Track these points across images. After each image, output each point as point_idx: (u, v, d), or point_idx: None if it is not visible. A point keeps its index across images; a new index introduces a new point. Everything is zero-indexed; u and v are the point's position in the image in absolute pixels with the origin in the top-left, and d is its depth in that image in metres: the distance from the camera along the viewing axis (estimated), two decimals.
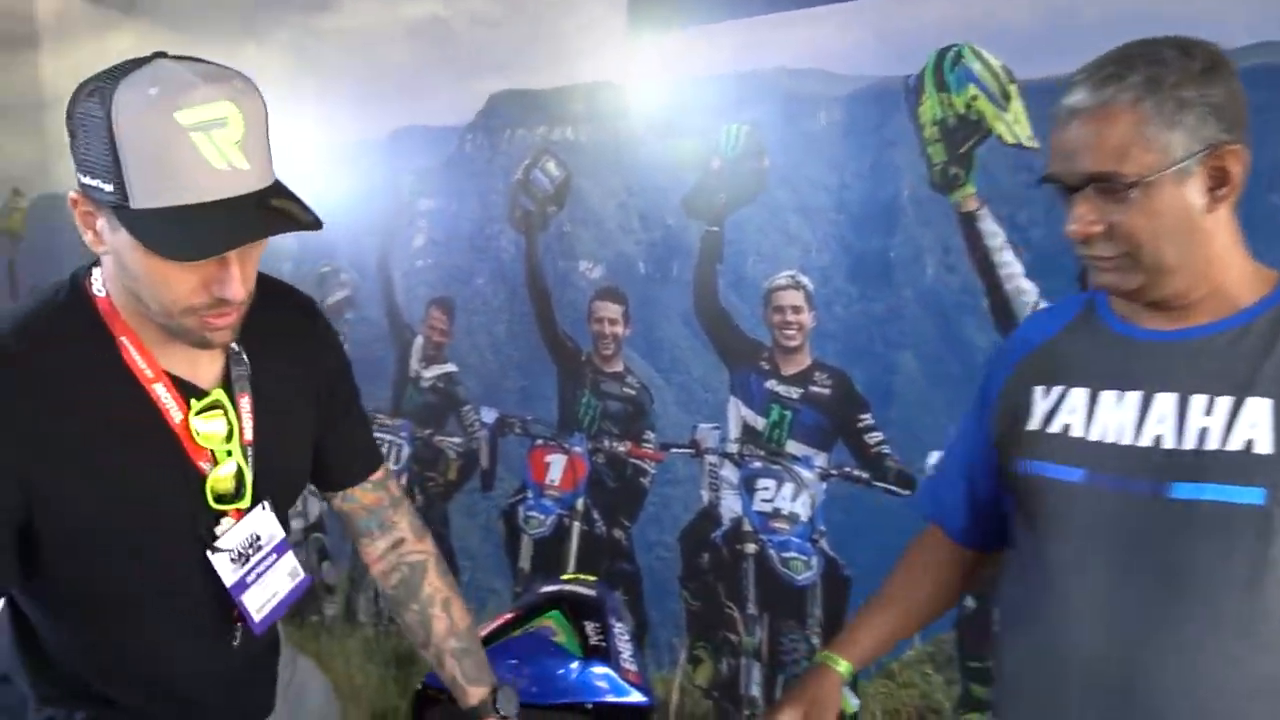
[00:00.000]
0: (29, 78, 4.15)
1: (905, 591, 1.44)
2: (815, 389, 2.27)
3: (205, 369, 1.21)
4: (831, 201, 2.23)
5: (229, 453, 1.21)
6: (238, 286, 1.06)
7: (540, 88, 2.65)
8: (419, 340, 2.98)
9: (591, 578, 1.90)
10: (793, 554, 2.33)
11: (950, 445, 1.43)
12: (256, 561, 1.26)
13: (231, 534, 1.23)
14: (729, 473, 2.41)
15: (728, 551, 2.43)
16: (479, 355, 2.86)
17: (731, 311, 2.38)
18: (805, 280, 2.26)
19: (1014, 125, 1.94)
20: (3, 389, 1.09)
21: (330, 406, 1.36)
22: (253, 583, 1.26)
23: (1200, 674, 1.06)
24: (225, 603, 1.25)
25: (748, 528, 2.39)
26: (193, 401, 1.18)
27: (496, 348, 2.82)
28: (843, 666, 1.40)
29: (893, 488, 2.16)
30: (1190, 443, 1.07)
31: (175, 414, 1.17)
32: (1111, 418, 1.13)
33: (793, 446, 2.32)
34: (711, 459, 2.44)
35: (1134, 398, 1.12)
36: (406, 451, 3.04)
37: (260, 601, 1.28)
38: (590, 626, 1.71)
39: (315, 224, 1.05)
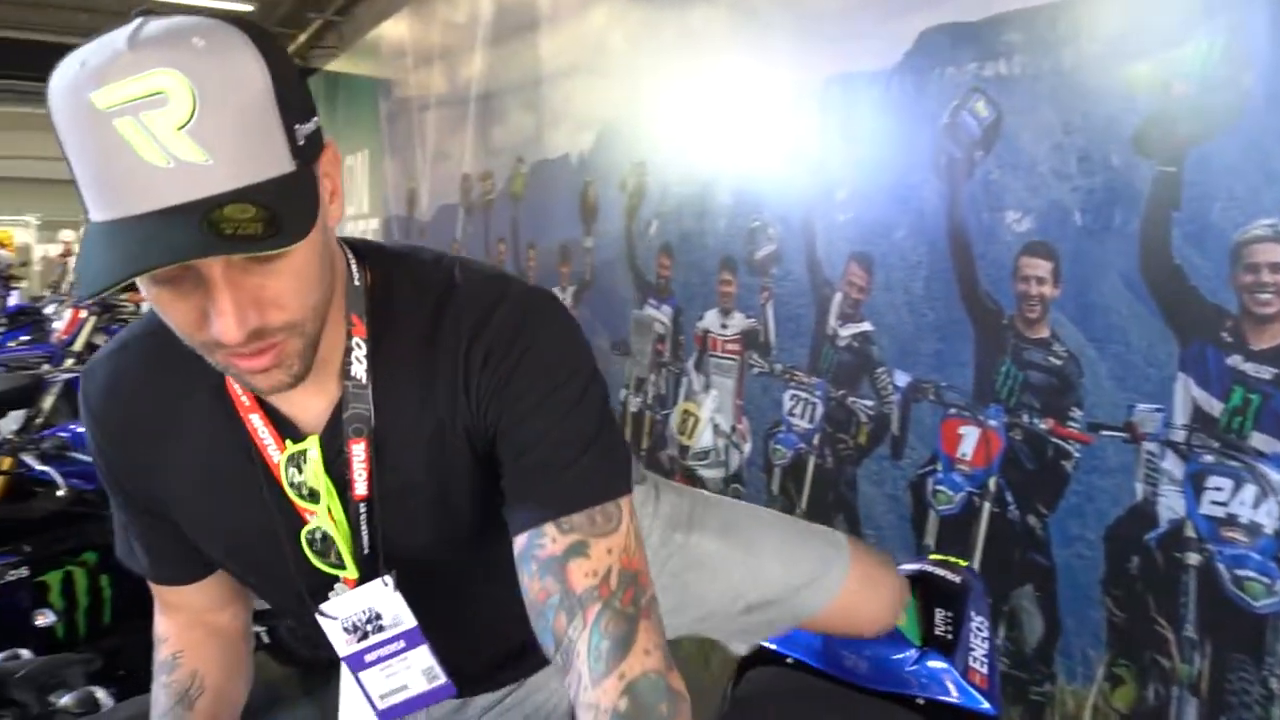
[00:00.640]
0: (530, 58, 4.70)
1: None
2: None
3: (307, 405, 0.95)
4: None
5: (329, 510, 0.96)
6: (226, 323, 0.76)
7: (973, 19, 2.38)
8: (838, 296, 2.87)
9: (962, 563, 1.69)
10: (1250, 573, 1.87)
11: None
12: (378, 643, 1.03)
13: (342, 602, 1.01)
14: (1171, 465, 2.00)
15: (1163, 559, 2.02)
16: (895, 314, 2.68)
17: (1187, 269, 1.95)
18: None
19: None
20: (118, 412, 0.99)
21: (505, 448, 0.93)
22: (373, 663, 1.04)
23: None
24: None
25: (1191, 534, 1.97)
26: (288, 443, 0.95)
27: (913, 306, 2.62)
28: None
29: None
30: None
31: (274, 452, 0.96)
32: None
33: (1258, 440, 1.85)
34: (1150, 447, 2.04)
35: None
36: (820, 411, 2.96)
37: (383, 689, 1.06)
38: (940, 615, 1.53)
39: (271, 245, 0.72)
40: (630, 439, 3.92)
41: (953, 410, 2.51)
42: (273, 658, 3.04)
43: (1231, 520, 1.90)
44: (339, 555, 0.98)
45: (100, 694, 1.63)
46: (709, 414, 3.49)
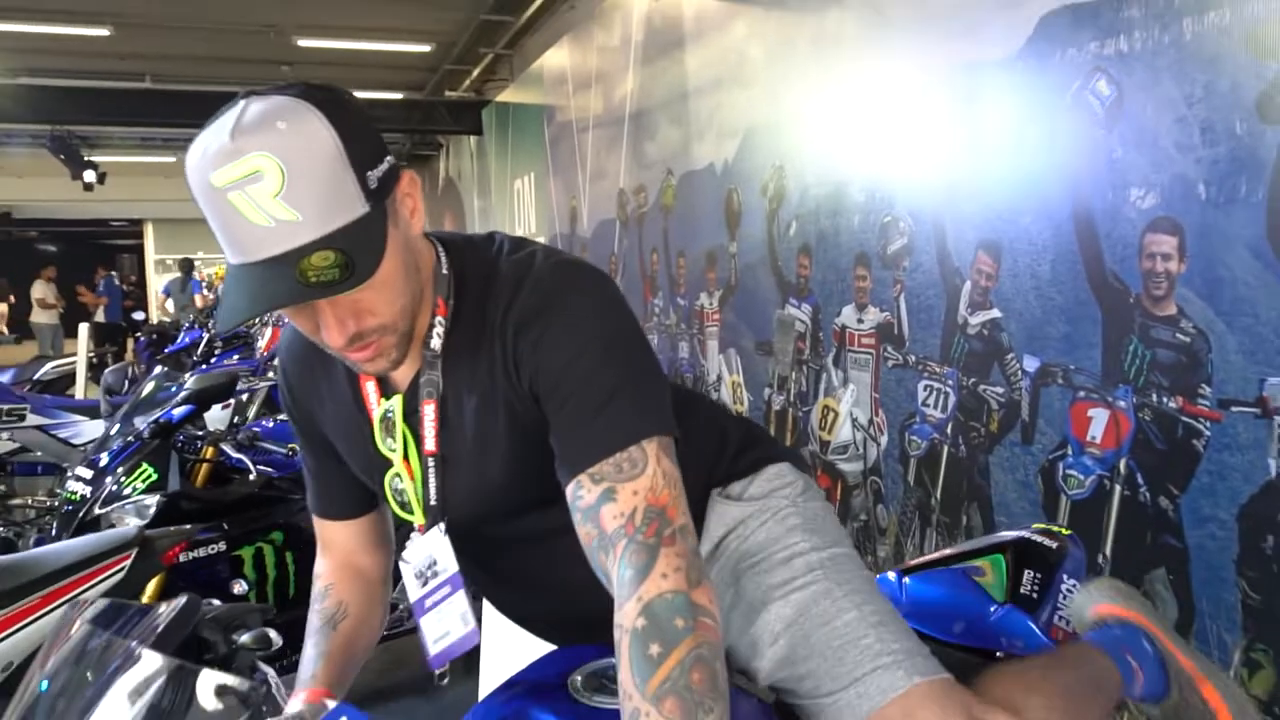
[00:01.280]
0: (678, 74, 4.89)
1: None
2: None
3: (402, 370, 1.11)
4: None
5: (405, 460, 1.13)
6: (331, 333, 0.99)
7: None
8: (967, 285, 2.88)
9: (1065, 530, 1.70)
10: None
11: None
12: (433, 588, 1.16)
13: (413, 549, 1.16)
14: None
15: None
16: (1023, 300, 2.67)
17: None
18: None
19: None
20: (295, 369, 1.22)
21: (545, 410, 1.06)
22: (429, 609, 1.17)
23: None
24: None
25: None
26: (381, 401, 1.14)
27: (1040, 291, 2.61)
28: None
29: None
30: None
31: (375, 407, 1.15)
32: None
33: None
34: None
35: None
36: (953, 400, 2.97)
37: (436, 633, 1.18)
38: (1029, 575, 1.56)
39: (345, 287, 0.93)
40: (775, 436, 4.00)
41: (1081, 393, 2.48)
42: None
43: None
44: (410, 503, 1.14)
45: (273, 634, 1.88)
46: (847, 408, 3.54)
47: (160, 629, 0.99)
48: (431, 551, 1.15)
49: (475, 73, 9.38)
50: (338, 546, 1.32)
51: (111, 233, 23.56)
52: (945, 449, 3.02)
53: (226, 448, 2.99)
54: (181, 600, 0.96)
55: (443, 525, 1.14)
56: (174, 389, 2.88)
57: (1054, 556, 1.61)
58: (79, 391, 5.89)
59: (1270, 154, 1.98)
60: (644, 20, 5.35)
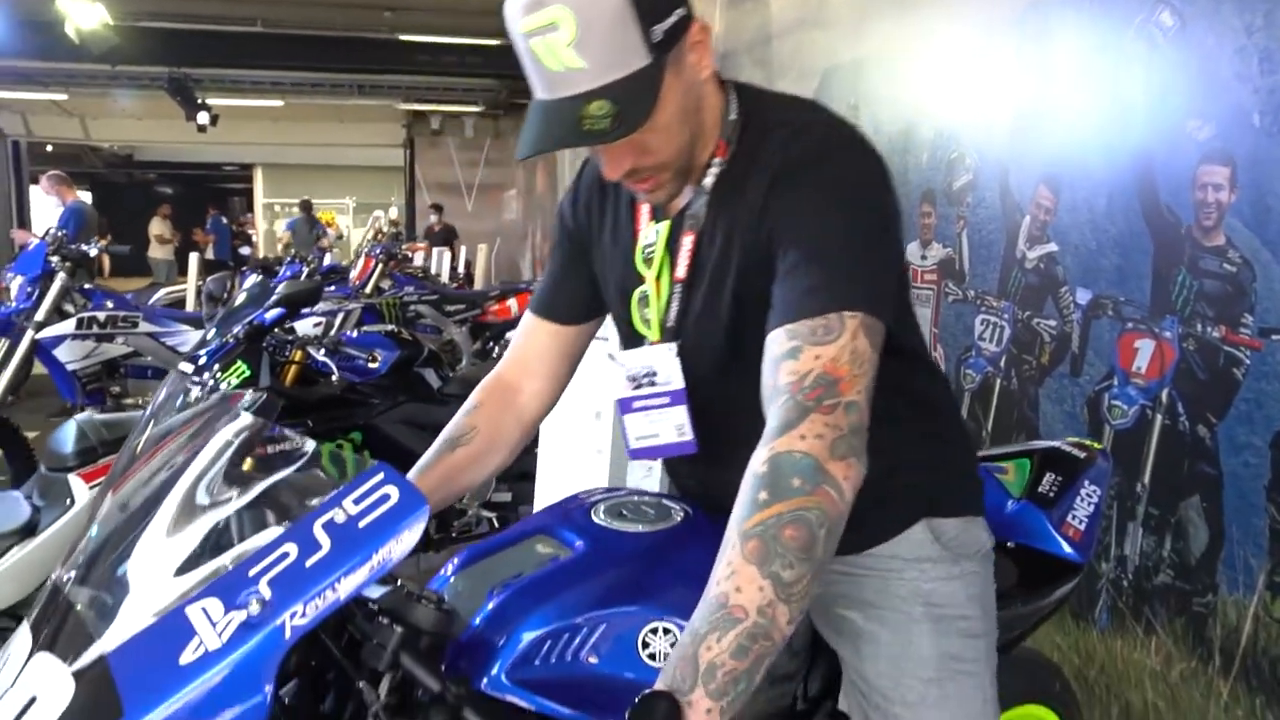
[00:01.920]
0: (762, 17, 4.93)
1: None
2: None
3: (675, 200, 1.23)
4: None
5: (656, 280, 1.24)
6: (608, 168, 1.13)
7: None
8: (1026, 220, 2.91)
9: (1097, 445, 1.77)
10: None
11: None
12: (648, 395, 1.25)
13: (630, 355, 1.26)
14: None
15: None
16: (1079, 233, 2.69)
17: None
18: None
19: None
20: (586, 182, 1.36)
21: (776, 257, 1.12)
22: (640, 409, 1.26)
23: None
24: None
25: None
26: (648, 224, 1.25)
27: (1095, 224, 2.63)
28: None
29: None
30: None
31: (642, 228, 1.26)
32: None
33: None
34: None
35: None
36: (1008, 334, 3.01)
37: (640, 432, 1.27)
38: (1050, 478, 1.64)
39: (612, 138, 1.05)
40: None
41: (1130, 324, 2.51)
42: None
43: None
44: (651, 319, 1.25)
45: None
46: None
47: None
48: (654, 362, 1.24)
49: None
50: (524, 357, 1.42)
51: (224, 177, 24.52)
52: (998, 382, 3.07)
53: (313, 351, 3.22)
54: (261, 396, 1.09)
55: (675, 345, 1.23)
56: (267, 295, 3.12)
57: (1080, 465, 1.69)
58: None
59: None
60: None
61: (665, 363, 1.23)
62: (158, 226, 15.35)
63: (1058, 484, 1.65)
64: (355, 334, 3.66)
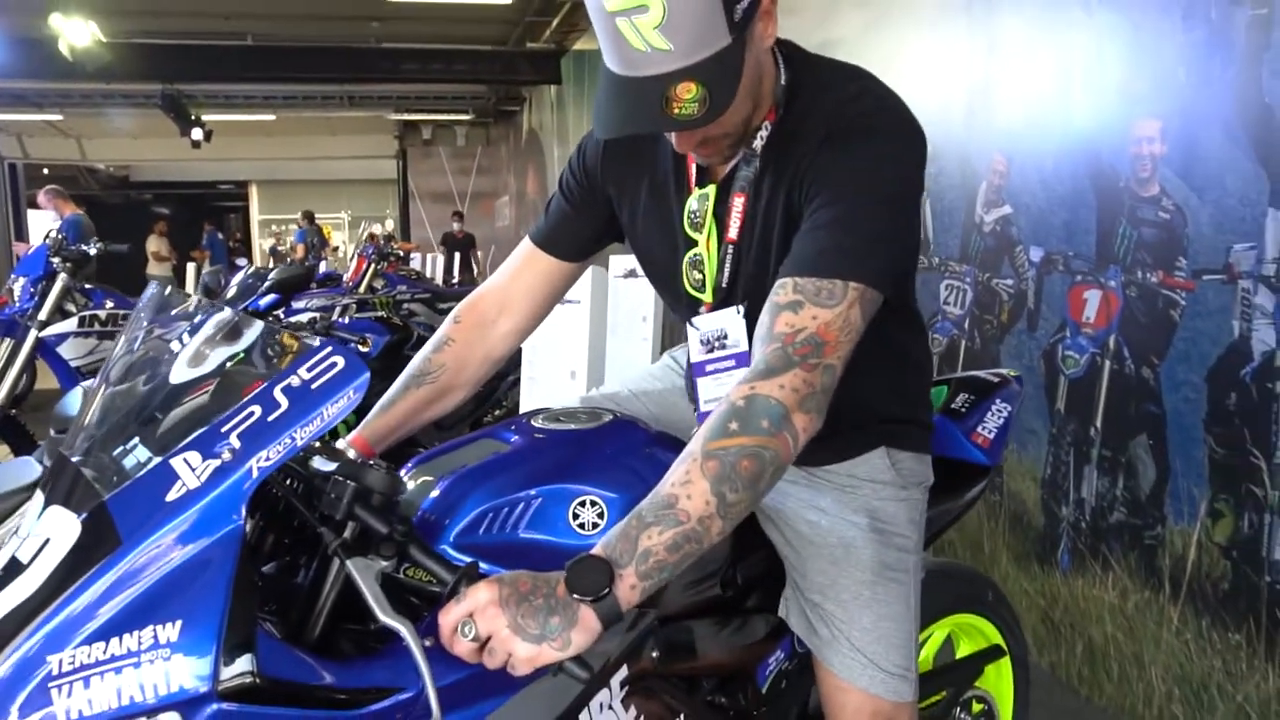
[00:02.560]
0: None
1: None
2: None
3: (726, 163, 1.27)
4: None
5: (708, 241, 1.28)
6: (680, 142, 1.18)
7: None
8: (983, 185, 3.04)
9: (1012, 373, 1.90)
10: None
11: None
12: (719, 358, 1.31)
13: (705, 319, 1.32)
14: (1264, 299, 2.08)
15: (1257, 391, 2.10)
16: (1030, 194, 2.82)
17: (1277, 106, 2.03)
18: None
19: None
20: (620, 142, 1.34)
21: (807, 210, 1.19)
22: (711, 372, 1.32)
23: None
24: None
25: None
26: (695, 188, 1.29)
27: (1045, 184, 2.76)
28: None
29: None
30: None
31: (694, 188, 1.29)
32: None
33: None
34: (1245, 284, 2.12)
35: None
36: (970, 296, 3.14)
37: (711, 395, 1.32)
38: (962, 397, 1.77)
39: (702, 123, 1.09)
40: None
41: (1079, 277, 2.64)
42: None
43: None
44: (704, 282, 1.30)
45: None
46: None
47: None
48: (725, 325, 1.30)
49: (555, 22, 9.64)
50: (509, 290, 1.48)
51: (219, 195, 24.66)
52: (963, 343, 3.19)
53: (305, 337, 3.34)
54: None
55: (742, 308, 1.28)
56: (260, 283, 3.25)
57: (992, 386, 1.82)
58: None
59: (1239, 34, 2.11)
60: None
61: (734, 324, 1.29)
62: (154, 244, 15.49)
63: (969, 401, 1.78)
64: (346, 318, 3.78)
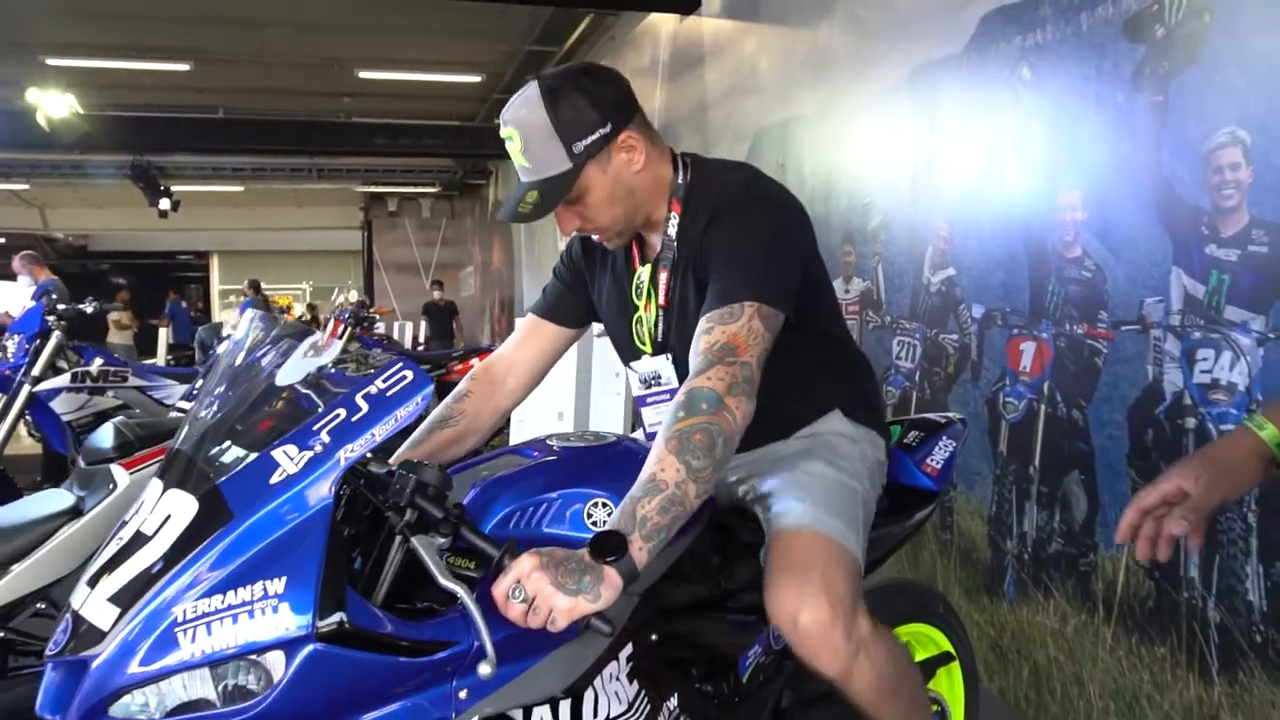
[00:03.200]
0: (699, 88, 5.41)
1: None
2: (1253, 248, 2.15)
3: (653, 245, 1.68)
4: (1273, 44, 2.10)
5: (647, 306, 1.68)
6: (559, 227, 1.61)
7: (1018, 0, 2.86)
8: (929, 250, 3.35)
9: (957, 416, 2.15)
10: (1230, 426, 2.21)
11: None
12: (656, 392, 1.71)
13: (641, 363, 1.72)
14: (1171, 346, 2.37)
15: (1169, 427, 2.38)
16: (970, 257, 3.13)
17: (1173, 179, 2.34)
18: (1244, 134, 2.16)
19: None
20: (591, 243, 1.77)
21: (710, 271, 1.53)
22: (651, 403, 1.73)
23: None
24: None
25: (1188, 401, 2.32)
26: (639, 265, 1.70)
27: (984, 248, 3.07)
28: (1266, 432, 1.16)
29: None
30: None
31: (638, 268, 1.70)
32: None
33: (1230, 313, 2.20)
34: (1156, 333, 2.41)
35: None
36: (919, 351, 3.42)
37: (652, 419, 1.72)
38: (914, 434, 2.03)
39: (528, 218, 1.52)
40: None
41: (1015, 330, 2.93)
42: None
43: (1215, 384, 2.25)
44: (645, 337, 1.69)
45: None
46: None
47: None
48: (657, 369, 1.69)
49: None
50: (515, 356, 1.82)
51: (180, 265, 24.70)
52: (914, 394, 3.47)
53: (378, 354, 3.53)
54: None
55: (670, 355, 1.66)
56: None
57: (940, 426, 2.08)
58: None
59: (1141, 117, 2.43)
60: (670, 41, 5.92)
61: (664, 369, 1.68)
62: (116, 313, 15.49)
63: (919, 438, 2.03)
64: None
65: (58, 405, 4.02)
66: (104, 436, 2.27)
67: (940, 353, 3.31)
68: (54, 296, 4.26)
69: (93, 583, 1.13)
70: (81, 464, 2.24)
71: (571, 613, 1.15)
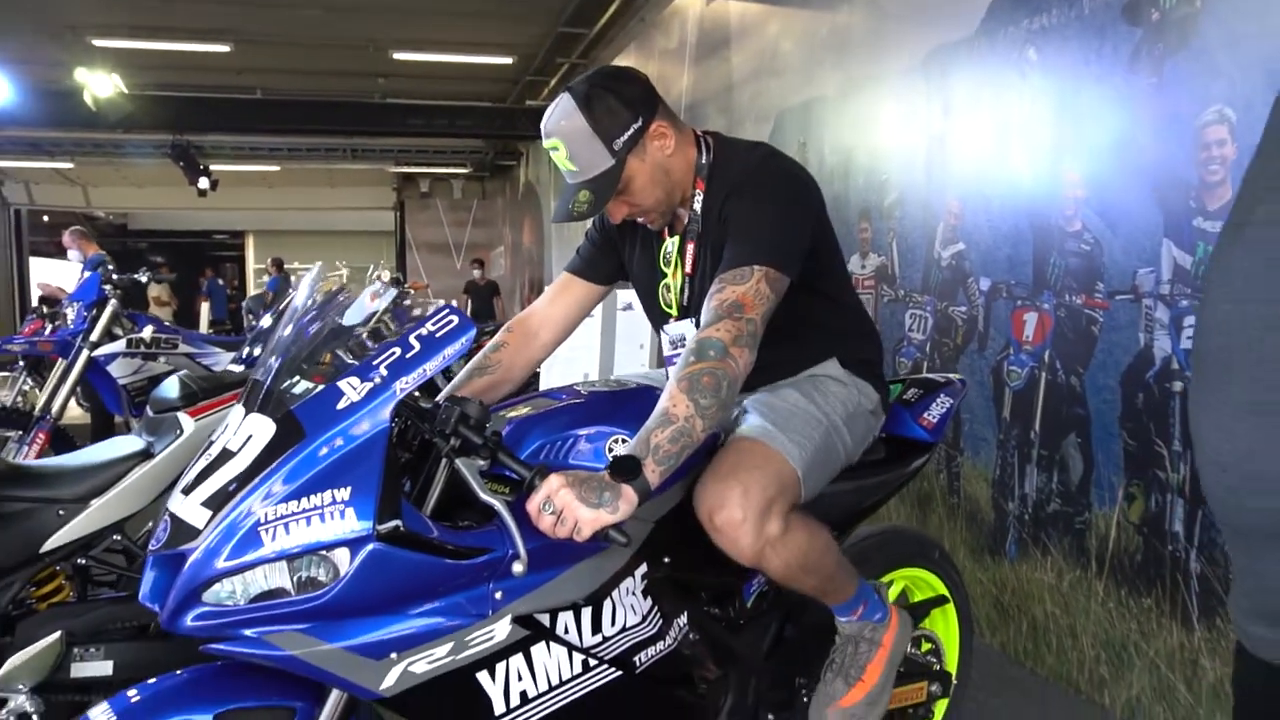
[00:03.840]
0: (725, 70, 5.56)
1: None
2: None
3: (680, 219, 1.86)
4: (1260, 27, 2.23)
5: (674, 274, 1.87)
6: (611, 216, 1.80)
7: None
8: (940, 225, 3.49)
9: (956, 375, 2.31)
10: None
11: None
12: (680, 351, 1.79)
13: (671, 327, 1.90)
14: (1161, 314, 2.51)
15: (1158, 390, 2.52)
16: (979, 232, 3.27)
17: (1166, 156, 2.48)
18: (1230, 113, 2.29)
19: None
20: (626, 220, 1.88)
21: (727, 237, 1.71)
22: (673, 361, 1.85)
23: None
24: None
25: (1175, 366, 2.47)
26: (667, 236, 1.89)
27: (991, 223, 3.21)
28: None
29: None
30: None
31: (662, 239, 1.90)
32: None
33: None
34: (1148, 302, 2.55)
35: None
36: (930, 323, 3.58)
37: None
38: (913, 391, 2.18)
39: (584, 215, 1.71)
40: None
41: (1019, 302, 3.07)
42: None
43: None
44: (671, 301, 1.88)
45: None
46: None
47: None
48: (684, 331, 1.87)
49: (553, 82, 10.20)
50: (550, 311, 1.99)
51: (215, 244, 25.12)
52: (925, 365, 3.62)
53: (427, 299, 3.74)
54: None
55: (695, 319, 1.81)
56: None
57: (938, 384, 2.23)
58: None
59: (1138, 98, 2.57)
60: (697, 23, 6.06)
61: (690, 331, 1.84)
62: (155, 289, 15.88)
63: (918, 394, 2.19)
64: None
65: (114, 369, 4.27)
66: (170, 388, 2.48)
67: (950, 324, 3.46)
68: (110, 267, 4.50)
69: (188, 491, 1.33)
70: (149, 413, 2.45)
71: (594, 523, 1.34)
